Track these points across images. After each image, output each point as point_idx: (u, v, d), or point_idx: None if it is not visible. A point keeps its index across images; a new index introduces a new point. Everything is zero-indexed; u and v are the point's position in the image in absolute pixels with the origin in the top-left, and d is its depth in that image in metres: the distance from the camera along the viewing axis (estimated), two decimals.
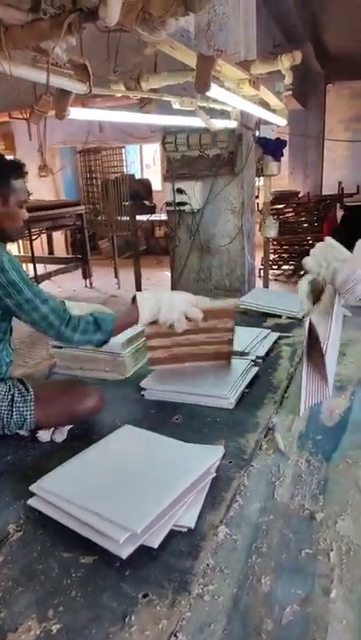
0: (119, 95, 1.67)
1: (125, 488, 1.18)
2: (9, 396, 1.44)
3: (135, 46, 1.49)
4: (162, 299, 1.63)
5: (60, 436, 1.51)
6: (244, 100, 1.65)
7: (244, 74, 1.53)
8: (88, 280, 7.31)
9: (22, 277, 1.39)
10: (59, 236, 8.95)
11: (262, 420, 1.59)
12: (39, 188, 9.98)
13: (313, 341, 1.50)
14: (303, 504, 1.21)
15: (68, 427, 1.54)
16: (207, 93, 1.29)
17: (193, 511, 1.15)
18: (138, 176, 7.86)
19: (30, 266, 6.16)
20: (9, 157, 1.65)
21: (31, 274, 6.41)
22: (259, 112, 2.13)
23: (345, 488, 1.26)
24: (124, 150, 6.95)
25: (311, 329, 1.48)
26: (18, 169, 1.58)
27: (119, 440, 1.40)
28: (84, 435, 1.54)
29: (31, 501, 1.19)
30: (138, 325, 1.64)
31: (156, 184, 7.71)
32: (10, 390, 1.46)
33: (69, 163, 9.67)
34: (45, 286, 7.62)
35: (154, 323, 1.67)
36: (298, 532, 1.13)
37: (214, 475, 1.26)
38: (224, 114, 2.57)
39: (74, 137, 8.61)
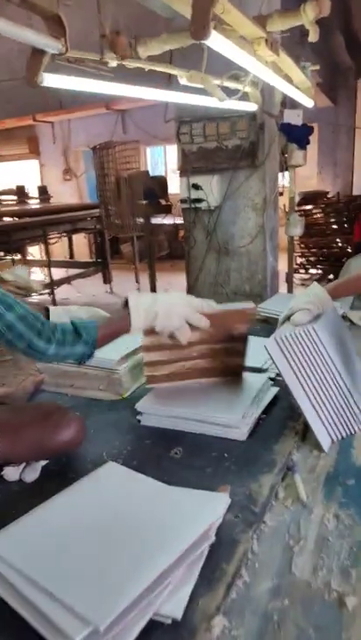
0: (114, 64, 1.40)
1: (95, 557, 0.90)
2: None
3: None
4: (159, 302, 1.35)
5: (32, 474, 1.24)
6: (258, 62, 1.36)
7: (258, 29, 1.24)
8: (108, 285, 7.12)
9: None
10: (82, 240, 8.81)
11: (280, 457, 1.28)
12: (63, 191, 9.92)
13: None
14: (329, 582, 0.91)
15: (43, 462, 1.27)
16: (206, 42, 1.01)
17: (181, 594, 0.86)
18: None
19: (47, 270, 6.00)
20: None
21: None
22: (277, 82, 1.82)
23: None
24: (145, 148, 6.71)
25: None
26: None
27: (97, 485, 1.12)
28: (61, 472, 1.27)
29: None
30: (131, 334, 1.35)
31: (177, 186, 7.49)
32: None
33: (93, 164, 9.55)
34: (65, 291, 7.45)
35: (151, 332, 1.39)
36: (321, 627, 0.82)
37: (214, 539, 0.96)
38: (244, 97, 2.27)
39: (98, 139, 8.46)
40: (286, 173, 3.20)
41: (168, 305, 1.35)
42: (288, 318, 1.43)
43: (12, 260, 5.49)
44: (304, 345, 1.32)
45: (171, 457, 1.31)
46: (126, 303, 1.35)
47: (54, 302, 5.67)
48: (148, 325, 1.35)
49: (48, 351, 1.18)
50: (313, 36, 1.58)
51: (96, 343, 1.26)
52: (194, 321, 1.38)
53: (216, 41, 1.04)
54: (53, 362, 1.35)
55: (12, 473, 1.23)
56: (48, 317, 1.67)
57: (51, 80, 1.17)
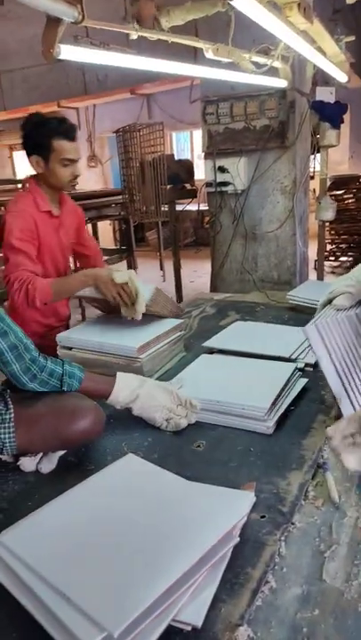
0: (135, 37, 1.32)
1: (112, 558, 0.85)
2: None
3: None
4: (144, 388, 1.33)
5: (49, 465, 1.19)
6: (290, 29, 1.25)
7: None
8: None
9: None
10: (107, 227, 8.78)
11: (309, 453, 1.20)
12: (88, 178, 9.89)
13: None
14: None
15: (60, 453, 1.22)
16: (233, 3, 0.92)
17: (202, 599, 0.80)
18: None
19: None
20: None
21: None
22: (310, 53, 1.70)
23: None
24: (170, 133, 6.55)
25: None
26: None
27: (115, 480, 1.06)
28: (80, 464, 1.22)
29: None
30: (107, 401, 1.31)
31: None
32: None
33: (117, 149, 9.49)
34: None
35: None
36: None
37: (238, 540, 0.89)
38: (273, 73, 2.15)
39: (123, 125, 8.38)
40: (318, 155, 3.06)
41: (152, 393, 1.33)
42: (329, 302, 1.34)
43: None
44: (345, 332, 1.24)
45: (193, 450, 1.25)
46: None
47: None
48: (127, 404, 1.32)
49: (27, 386, 1.18)
50: None
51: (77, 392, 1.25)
52: (176, 413, 1.34)
53: (243, 3, 0.94)
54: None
55: (28, 463, 1.19)
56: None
57: (68, 52, 1.10)
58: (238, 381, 1.48)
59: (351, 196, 6.52)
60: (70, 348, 1.72)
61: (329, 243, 6.64)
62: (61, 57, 1.15)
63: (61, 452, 1.23)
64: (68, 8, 1.03)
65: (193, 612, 0.77)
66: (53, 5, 1.01)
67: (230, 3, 0.93)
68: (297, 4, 1.20)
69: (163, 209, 3.69)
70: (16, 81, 8.00)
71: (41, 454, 1.21)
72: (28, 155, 1.79)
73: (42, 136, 1.74)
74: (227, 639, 0.76)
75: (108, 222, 8.10)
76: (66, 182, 1.83)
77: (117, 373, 1.34)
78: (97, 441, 1.28)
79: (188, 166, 3.78)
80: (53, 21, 1.10)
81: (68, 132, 1.75)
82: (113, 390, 1.29)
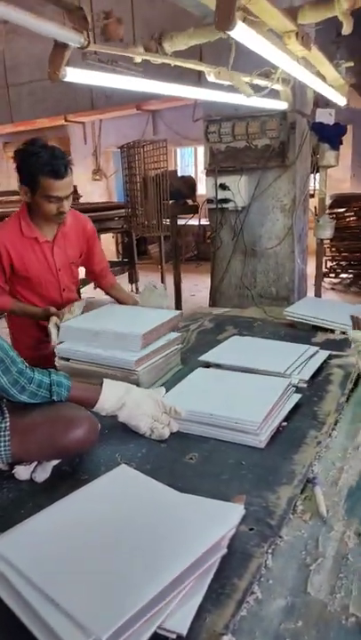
0: (138, 60, 1.37)
1: (101, 564, 0.87)
2: None
3: None
4: (130, 396, 1.36)
5: (43, 474, 1.22)
6: (288, 57, 1.30)
7: (289, 22, 1.19)
8: (134, 285, 7.13)
9: None
10: (109, 240, 8.85)
11: (300, 468, 1.23)
12: (92, 191, 9.99)
13: None
14: (347, 605, 0.85)
15: (54, 462, 1.24)
16: (231, 33, 0.97)
17: (188, 608, 0.81)
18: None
19: None
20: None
21: None
22: (309, 79, 1.75)
23: None
24: (175, 149, 6.64)
25: None
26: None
27: (107, 490, 1.08)
28: (73, 473, 1.24)
29: None
30: (94, 409, 1.32)
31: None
32: None
33: (120, 164, 9.61)
34: (91, 290, 7.51)
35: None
36: None
37: (225, 551, 0.91)
38: (274, 96, 2.20)
39: (128, 140, 8.49)
40: (318, 175, 3.11)
41: (138, 401, 1.36)
42: None
43: None
44: None
45: (185, 462, 1.27)
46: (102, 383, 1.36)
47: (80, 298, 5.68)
48: (113, 412, 1.35)
49: (17, 398, 1.20)
50: (347, 28, 1.51)
51: (65, 401, 1.27)
52: (160, 422, 1.37)
53: (242, 33, 0.99)
54: None
55: (22, 472, 1.21)
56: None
57: (73, 75, 1.15)
58: (232, 395, 1.50)
59: (353, 214, 6.58)
60: (68, 360, 1.74)
61: (329, 259, 6.69)
62: (67, 79, 1.20)
63: (56, 462, 1.25)
64: (75, 35, 1.08)
65: (179, 621, 0.79)
66: (61, 32, 1.06)
67: (230, 34, 0.98)
68: (295, 32, 1.25)
69: (165, 223, 3.75)
70: (23, 94, 8.13)
71: (35, 463, 1.23)
72: (19, 181, 1.79)
73: (30, 170, 1.71)
74: None
75: (110, 235, 8.17)
76: (51, 217, 1.82)
77: (104, 380, 1.36)
78: (91, 451, 1.30)
79: (190, 183, 3.84)
80: (60, 46, 1.14)
81: (57, 171, 1.70)
82: (99, 398, 1.31)
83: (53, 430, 1.19)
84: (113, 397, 1.33)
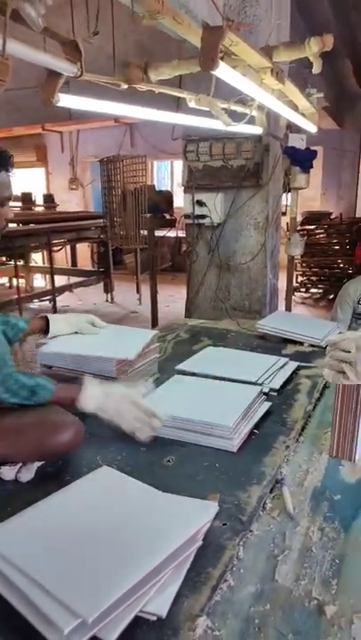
0: (125, 87, 1.47)
1: (86, 554, 0.94)
2: None
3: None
4: (110, 395, 1.40)
5: (27, 474, 1.28)
6: (263, 90, 1.42)
7: (264, 60, 1.31)
8: (110, 294, 7.19)
9: None
10: (85, 249, 8.90)
11: (269, 470, 1.32)
12: (69, 200, 10.04)
13: None
14: (311, 591, 0.94)
15: (39, 463, 1.31)
16: (214, 72, 1.07)
17: (167, 593, 0.89)
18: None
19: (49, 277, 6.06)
20: None
21: (49, 286, 6.31)
22: (282, 109, 1.88)
23: None
24: (152, 162, 6.75)
25: None
26: None
27: (91, 487, 1.16)
28: (57, 474, 1.31)
29: None
30: (81, 407, 1.38)
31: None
32: None
33: (100, 176, 9.70)
34: (66, 298, 7.53)
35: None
36: (300, 633, 0.86)
37: (201, 543, 1.00)
38: (250, 121, 2.34)
39: (106, 151, 8.59)
40: (289, 194, 3.27)
41: (117, 399, 1.39)
42: None
43: (15, 265, 5.55)
44: None
45: (163, 464, 1.35)
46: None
47: (55, 309, 5.72)
48: (97, 408, 1.38)
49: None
50: (316, 68, 1.65)
51: (47, 404, 1.33)
52: (143, 421, 1.40)
53: (223, 72, 1.11)
54: None
55: (7, 472, 1.27)
56: (48, 325, 1.73)
57: (65, 100, 1.23)
58: (207, 402, 1.59)
59: (322, 231, 6.83)
60: (50, 367, 1.81)
61: (300, 274, 6.91)
62: (59, 104, 1.29)
63: (40, 463, 1.31)
64: (69, 65, 1.16)
65: (158, 605, 0.87)
66: (56, 63, 1.15)
67: (212, 72, 1.09)
68: (270, 69, 1.37)
69: (143, 234, 3.85)
70: (0, 102, 8.15)
71: (20, 464, 1.29)
72: None
73: None
74: (187, 628, 0.85)
75: (86, 244, 8.23)
76: None
77: (85, 379, 1.40)
78: (73, 454, 1.36)
79: (168, 197, 3.96)
80: (54, 74, 1.23)
81: None
82: (80, 397, 1.35)
83: (41, 433, 1.25)
84: (94, 396, 1.37)
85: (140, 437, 1.41)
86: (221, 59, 1.13)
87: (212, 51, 1.00)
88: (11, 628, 0.84)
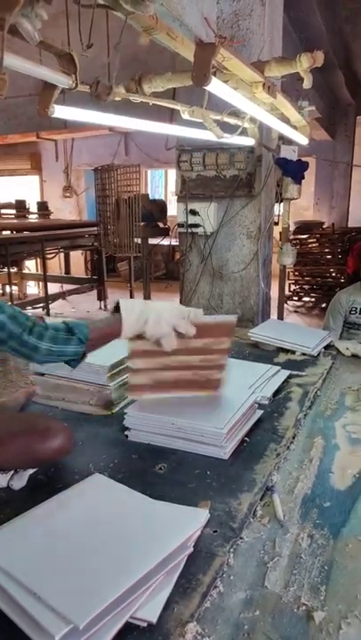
0: (118, 98, 1.49)
1: (78, 561, 0.95)
2: None
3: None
4: (150, 309, 1.37)
5: (19, 482, 1.28)
6: (255, 104, 1.45)
7: (256, 74, 1.34)
8: (103, 302, 7.20)
9: None
10: (78, 256, 8.91)
11: (260, 477, 1.34)
12: (63, 208, 10.06)
13: None
14: (300, 597, 0.95)
15: (31, 471, 1.31)
16: (207, 87, 1.10)
17: (157, 600, 0.90)
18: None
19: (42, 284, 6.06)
20: None
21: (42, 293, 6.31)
22: (274, 122, 1.92)
23: (355, 577, 1.00)
24: (146, 171, 6.77)
25: None
26: None
27: (83, 494, 1.16)
28: (49, 482, 1.31)
29: None
30: (121, 338, 1.35)
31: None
32: None
33: (94, 184, 9.73)
34: (59, 306, 7.53)
35: (137, 338, 1.40)
36: (289, 638, 0.87)
37: (191, 550, 1.01)
38: (242, 132, 2.38)
39: (100, 159, 8.64)
40: (282, 204, 3.31)
41: (158, 311, 1.38)
42: None
43: (9, 272, 5.56)
44: None
45: (155, 472, 1.36)
46: (116, 308, 1.38)
47: (48, 316, 5.73)
48: (139, 331, 1.37)
49: (40, 346, 1.19)
50: (307, 84, 1.69)
51: (88, 342, 1.27)
52: (181, 329, 1.40)
53: (216, 87, 1.13)
54: (48, 362, 1.33)
55: (0, 480, 1.27)
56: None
57: (61, 111, 1.26)
58: (199, 408, 1.60)
59: (315, 240, 6.89)
60: (43, 374, 1.81)
61: (293, 283, 6.96)
62: (55, 115, 1.31)
63: (32, 471, 1.32)
64: (65, 78, 1.19)
65: (149, 611, 0.88)
66: (53, 75, 1.17)
67: (205, 88, 1.11)
68: (262, 83, 1.40)
69: (137, 242, 3.87)
70: None
71: (12, 472, 1.29)
72: None
73: None
74: (178, 634, 0.86)
75: (80, 252, 8.24)
76: None
77: (121, 305, 1.35)
78: (65, 462, 1.37)
79: (161, 206, 3.99)
80: (50, 86, 1.26)
81: None
82: (123, 327, 1.32)
83: (30, 440, 1.26)
84: (134, 321, 1.34)
85: (166, 346, 1.38)
86: (214, 74, 1.16)
87: (204, 67, 1.03)
88: (1, 634, 0.84)
